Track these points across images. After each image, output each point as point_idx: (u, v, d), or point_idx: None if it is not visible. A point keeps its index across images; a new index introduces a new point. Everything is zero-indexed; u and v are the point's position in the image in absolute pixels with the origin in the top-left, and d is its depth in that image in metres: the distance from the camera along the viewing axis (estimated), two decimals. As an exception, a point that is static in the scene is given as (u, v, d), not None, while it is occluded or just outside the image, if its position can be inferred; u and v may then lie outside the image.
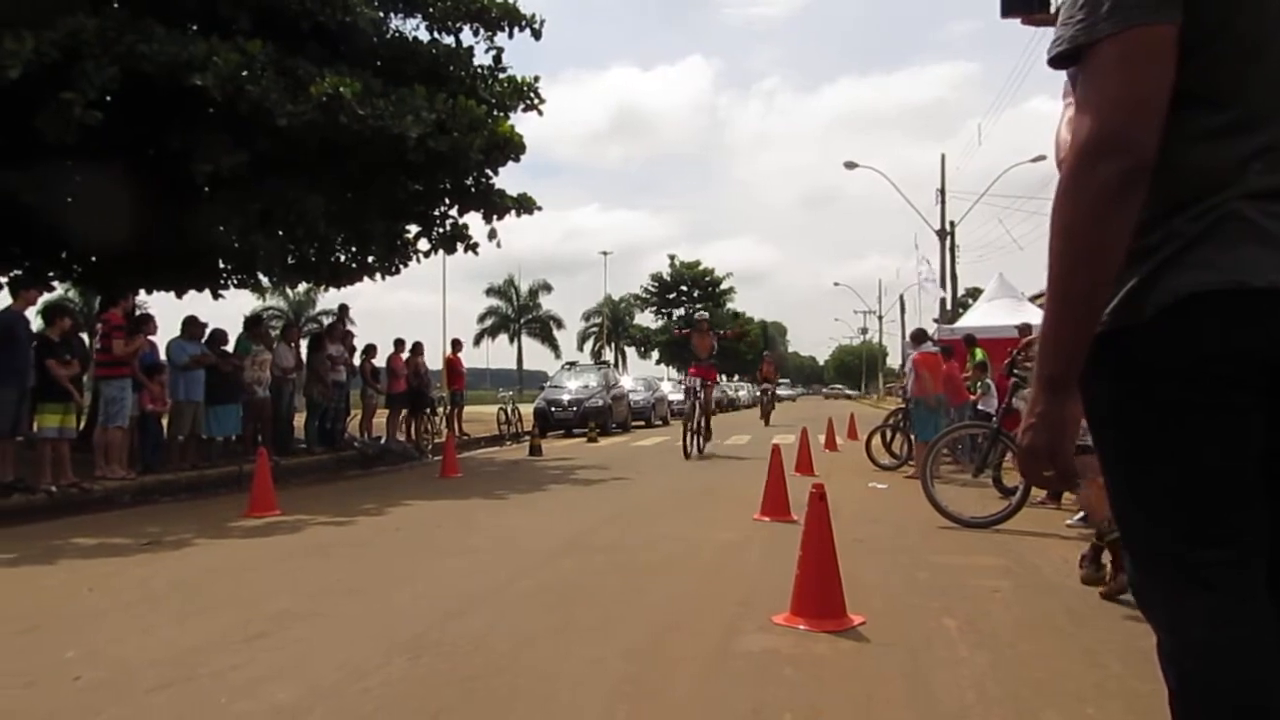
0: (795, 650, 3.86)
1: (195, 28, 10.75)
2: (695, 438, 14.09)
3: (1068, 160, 1.32)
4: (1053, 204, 1.34)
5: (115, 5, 10.26)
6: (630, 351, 76.69)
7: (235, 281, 15.72)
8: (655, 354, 74.93)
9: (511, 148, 13.16)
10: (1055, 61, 1.40)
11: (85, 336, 14.30)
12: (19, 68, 8.78)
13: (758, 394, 32.86)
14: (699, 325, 15.51)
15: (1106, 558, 4.83)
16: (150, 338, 10.98)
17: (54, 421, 9.03)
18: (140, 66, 9.63)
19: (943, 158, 30.39)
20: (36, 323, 10.62)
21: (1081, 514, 7.18)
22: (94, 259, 13.80)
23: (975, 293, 34.06)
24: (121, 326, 10.21)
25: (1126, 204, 1.28)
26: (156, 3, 10.36)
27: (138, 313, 11.34)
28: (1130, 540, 1.46)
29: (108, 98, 9.52)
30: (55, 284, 16.17)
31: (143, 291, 14.60)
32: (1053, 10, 1.77)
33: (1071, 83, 1.47)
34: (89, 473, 9.55)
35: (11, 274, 12.46)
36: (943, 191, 29.95)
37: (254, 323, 13.49)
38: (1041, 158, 27.02)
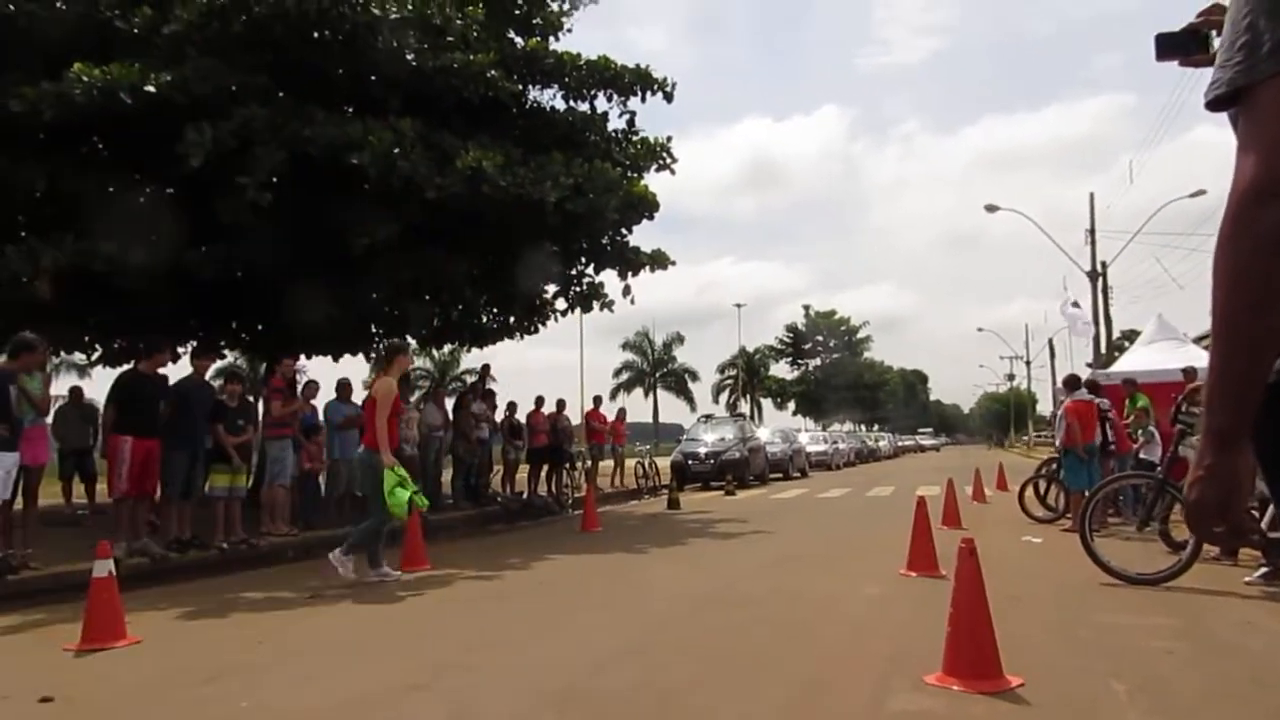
0: (949, 711, 3.72)
1: (350, 109, 11.55)
2: None
3: (1230, 204, 1.27)
4: (1215, 249, 1.29)
5: (281, 95, 11.12)
6: (766, 403, 76.11)
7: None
8: (791, 405, 74.04)
9: (646, 206, 13.45)
10: (1213, 105, 1.36)
11: (252, 399, 15.27)
12: (201, 157, 9.62)
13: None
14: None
15: None
16: (312, 401, 11.64)
17: (224, 481, 9.66)
18: (305, 149, 10.40)
19: (1091, 196, 29.23)
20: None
21: (1263, 570, 6.69)
22: (260, 327, 14.81)
23: (1131, 335, 32.34)
24: (281, 390, 10.89)
25: None
26: (317, 89, 11.19)
27: (303, 378, 12.04)
28: None
29: (275, 179, 10.28)
30: (226, 352, 17.42)
31: (303, 356, 15.51)
32: (1211, 51, 1.73)
33: (1232, 124, 1.43)
34: (255, 529, 10.14)
35: (190, 344, 13.49)
36: (1092, 231, 28.72)
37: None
38: (1202, 192, 25.64)
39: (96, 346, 14.66)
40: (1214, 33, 1.87)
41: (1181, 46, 1.91)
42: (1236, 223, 1.26)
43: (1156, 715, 3.64)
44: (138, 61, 9.85)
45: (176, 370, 9.76)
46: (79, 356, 18.31)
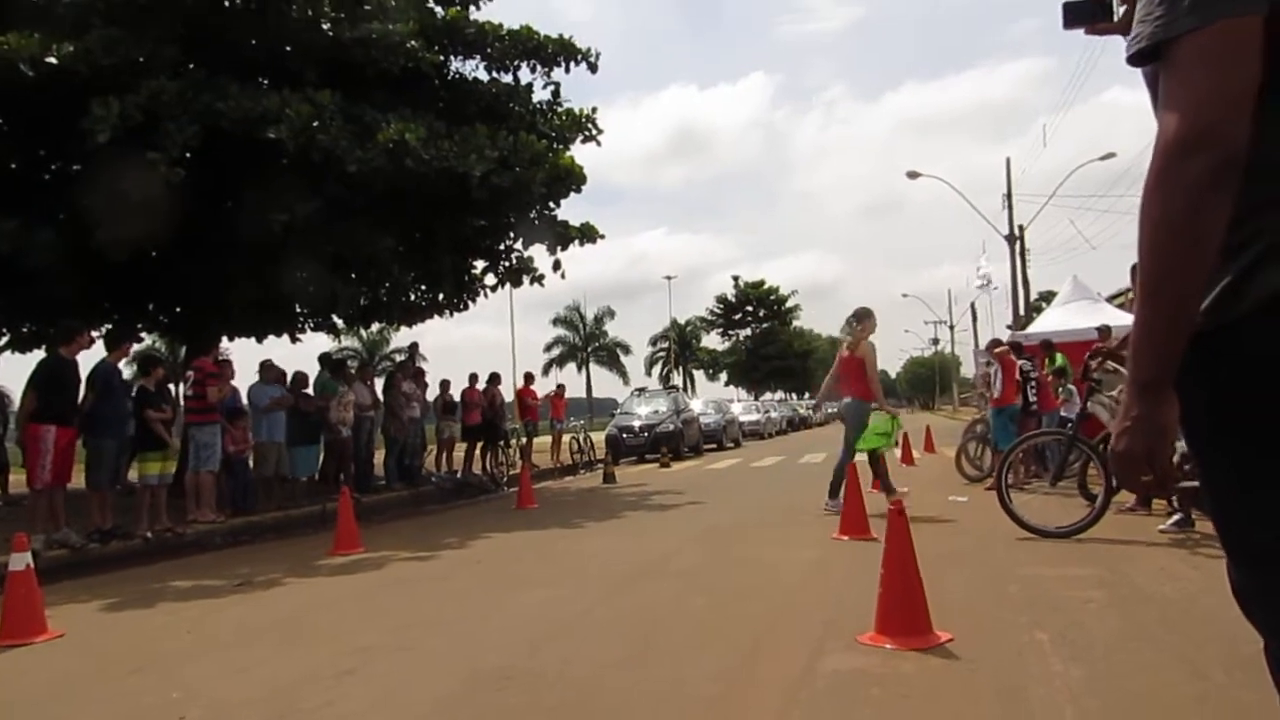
0: (882, 669, 3.81)
1: (266, 82, 11.19)
2: None
3: (1156, 158, 1.29)
4: (1141, 202, 1.31)
5: (192, 66, 10.71)
6: (699, 374, 76.63)
7: (312, 324, 16.16)
8: (724, 376, 74.70)
9: (573, 179, 13.34)
10: (1134, 59, 1.36)
11: (172, 386, 14.79)
12: (108, 132, 9.23)
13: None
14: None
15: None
16: (231, 382, 11.32)
17: (155, 469, 9.38)
18: (218, 123, 10.05)
19: (1008, 161, 29.98)
20: (127, 373, 11.05)
21: (1175, 518, 6.97)
22: (178, 309, 14.34)
23: (1049, 296, 33.29)
24: (214, 374, 10.58)
25: (1219, 199, 1.25)
26: (230, 60, 10.80)
27: (219, 359, 11.71)
28: (1234, 541, 1.41)
29: (187, 154, 9.92)
30: (143, 335, 16.83)
31: (224, 338, 15.09)
32: (1116, 19, 1.76)
33: (1146, 82, 1.44)
34: (181, 517, 9.87)
35: (103, 328, 13.00)
36: (1009, 195, 29.39)
37: (338, 365, 13.79)
38: (1112, 155, 26.45)
39: (3, 331, 14.04)
40: (1117, 0, 1.90)
41: (1088, 14, 1.93)
42: (1163, 176, 1.27)
43: (1077, 662, 3.77)
44: (38, 31, 9.40)
45: (89, 355, 9.35)
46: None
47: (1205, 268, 1.28)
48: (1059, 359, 11.49)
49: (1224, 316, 1.31)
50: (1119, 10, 1.89)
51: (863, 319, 9.54)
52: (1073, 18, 1.94)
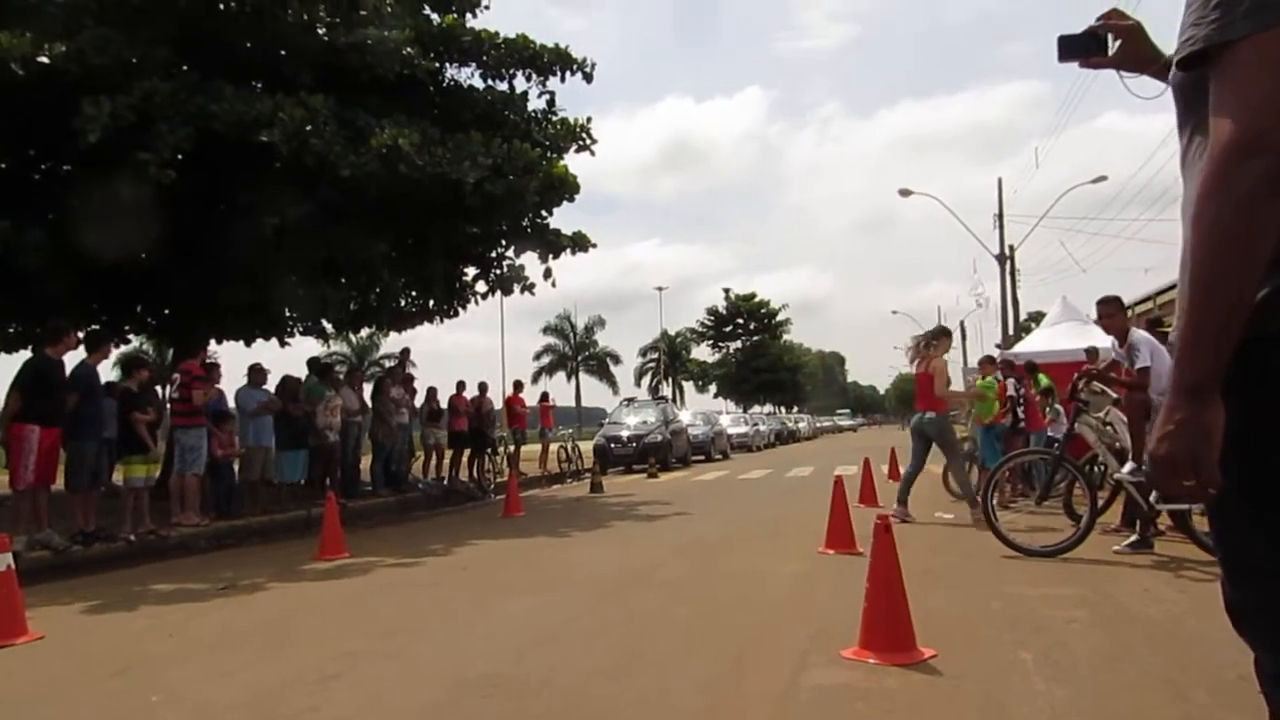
0: (866, 684, 3.82)
1: (260, 85, 11.18)
2: None
3: (1211, 162, 1.29)
4: (1195, 206, 1.31)
5: (185, 68, 10.70)
6: (688, 386, 76.67)
7: (301, 329, 16.12)
8: (713, 388, 74.78)
9: (566, 188, 13.37)
10: (1185, 62, 1.36)
11: (158, 388, 14.70)
12: (98, 131, 9.20)
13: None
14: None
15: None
16: (218, 385, 11.26)
17: (142, 471, 9.33)
18: (211, 125, 10.03)
19: (999, 182, 29.97)
20: (109, 375, 10.95)
21: (1131, 540, 7.02)
22: (167, 311, 14.29)
23: (1038, 317, 33.45)
24: (202, 376, 10.53)
25: (1273, 204, 1.25)
26: (224, 63, 10.79)
27: (207, 362, 11.66)
28: (1237, 555, 1.41)
29: (179, 156, 9.89)
30: (130, 336, 16.75)
31: (212, 341, 15.03)
32: (1110, 54, 1.78)
33: (1175, 92, 1.44)
34: (165, 520, 9.81)
35: (89, 329, 12.92)
36: (1000, 216, 29.55)
37: (325, 369, 13.73)
38: (1103, 178, 26.59)
39: (-9, 331, 13.96)
40: (1111, 35, 1.92)
41: (1082, 48, 1.96)
42: (1218, 180, 1.27)
43: (1061, 681, 3.78)
44: (29, 30, 9.36)
45: (72, 356, 9.28)
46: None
47: (1259, 272, 1.28)
48: (1044, 379, 11.56)
49: (1260, 328, 1.31)
50: (1113, 45, 1.92)
51: (938, 337, 10.11)
52: (1068, 51, 1.96)
